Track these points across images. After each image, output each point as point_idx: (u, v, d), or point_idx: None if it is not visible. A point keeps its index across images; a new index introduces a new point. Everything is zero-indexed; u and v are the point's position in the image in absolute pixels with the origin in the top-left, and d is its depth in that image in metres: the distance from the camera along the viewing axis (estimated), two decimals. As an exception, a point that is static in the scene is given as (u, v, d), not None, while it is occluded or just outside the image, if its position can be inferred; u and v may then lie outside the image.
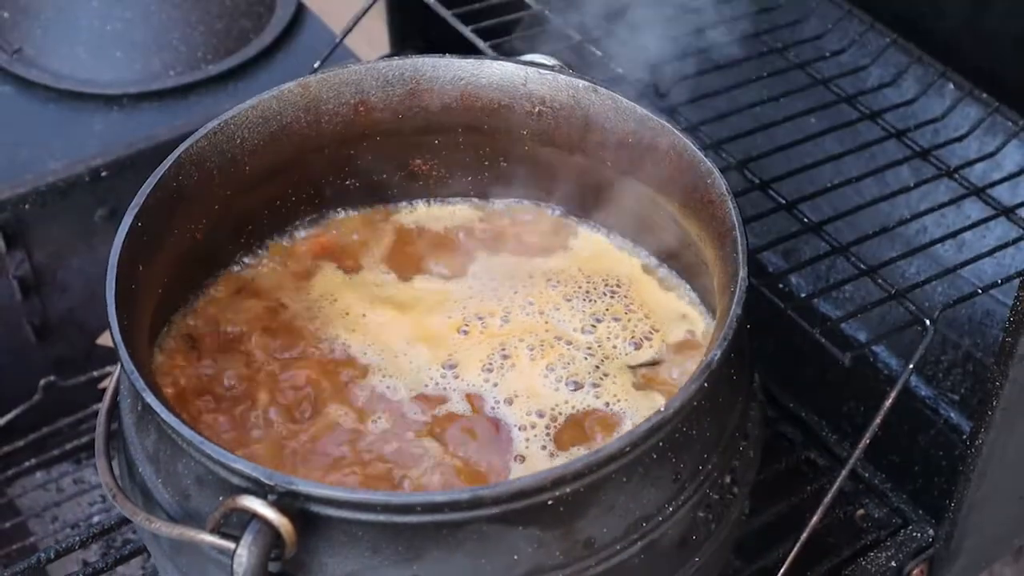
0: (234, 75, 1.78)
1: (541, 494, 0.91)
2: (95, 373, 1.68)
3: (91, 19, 1.78)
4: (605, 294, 1.20)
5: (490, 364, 1.14)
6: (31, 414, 1.64)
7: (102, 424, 1.09)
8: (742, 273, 1.01)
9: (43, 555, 1.33)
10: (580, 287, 1.22)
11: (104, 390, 1.68)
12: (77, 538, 1.33)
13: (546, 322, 1.18)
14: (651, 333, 1.17)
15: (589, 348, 1.15)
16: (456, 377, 1.13)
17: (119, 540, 1.63)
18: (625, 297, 1.20)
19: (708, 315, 1.19)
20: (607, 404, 1.11)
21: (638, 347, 1.16)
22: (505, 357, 1.15)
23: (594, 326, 1.17)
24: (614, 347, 1.16)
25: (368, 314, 1.18)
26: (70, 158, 1.65)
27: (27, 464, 1.67)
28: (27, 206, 1.61)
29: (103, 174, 1.63)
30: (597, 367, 1.14)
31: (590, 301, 1.20)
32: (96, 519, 1.69)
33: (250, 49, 1.80)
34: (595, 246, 1.27)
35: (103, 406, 1.11)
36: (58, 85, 1.74)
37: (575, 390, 1.12)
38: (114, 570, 1.37)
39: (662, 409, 0.94)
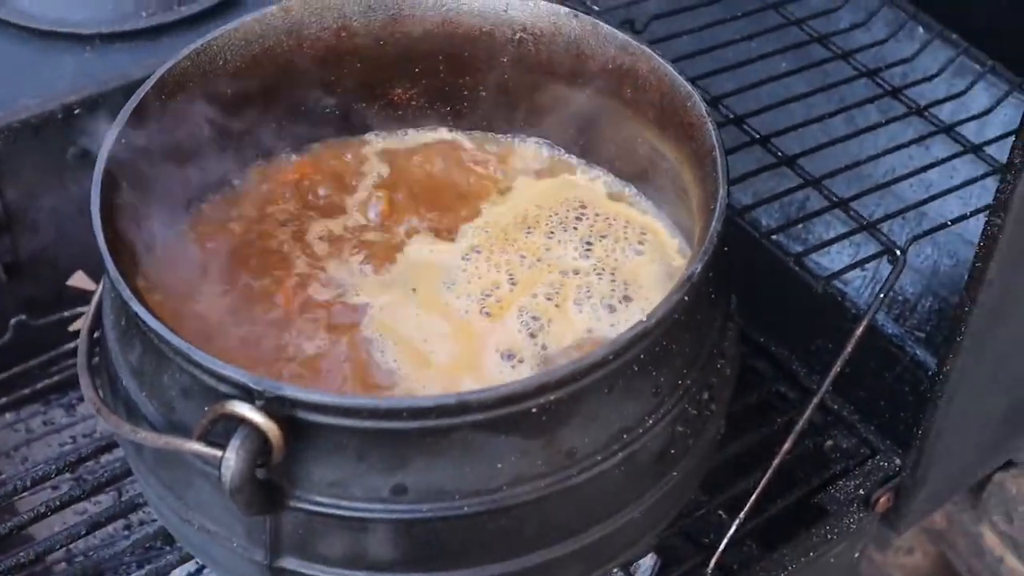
0: (206, 17, 1.77)
1: (525, 401, 0.93)
2: (66, 313, 1.67)
3: (62, -41, 1.76)
4: (582, 218, 1.22)
5: (532, 331, 1.12)
6: (0, 354, 1.63)
7: (84, 339, 1.09)
8: (722, 191, 1.03)
9: (19, 483, 1.34)
10: (558, 217, 1.23)
11: (76, 332, 1.69)
12: (53, 467, 1.34)
13: (548, 265, 1.18)
14: (643, 237, 1.18)
15: (597, 270, 1.17)
16: (520, 363, 1.10)
17: (91, 477, 1.63)
18: (604, 217, 1.22)
19: (682, 238, 1.20)
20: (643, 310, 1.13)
21: (639, 253, 1.18)
22: (535, 319, 1.13)
23: (589, 247, 1.19)
24: (616, 259, 1.17)
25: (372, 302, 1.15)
26: (42, 96, 1.63)
27: (-4, 403, 1.67)
28: (-2, 144, 1.59)
29: (76, 112, 1.62)
30: (613, 281, 1.16)
31: (574, 229, 1.22)
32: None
33: (223, -10, 1.79)
34: (569, 178, 1.28)
35: (85, 322, 1.11)
36: (30, 24, 1.72)
37: (612, 312, 1.13)
38: (89, 500, 1.38)
39: (643, 320, 0.96)
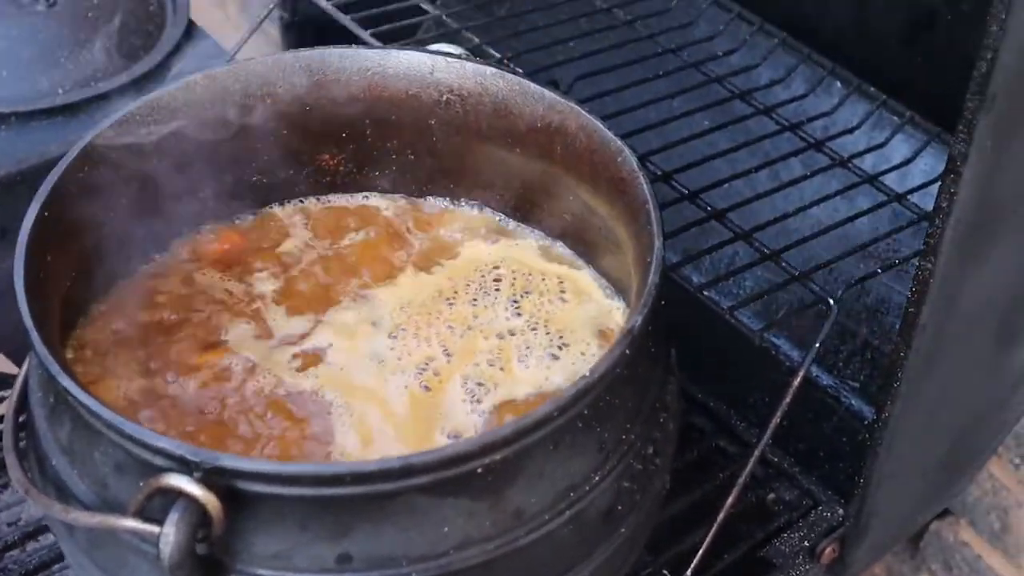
0: (125, 92, 1.75)
1: (471, 461, 0.91)
2: (-15, 395, 1.63)
3: (-25, 38, 1.74)
4: (501, 279, 1.21)
5: (477, 397, 1.11)
6: (-82, 443, 1.58)
7: (10, 420, 1.06)
8: (658, 244, 1.03)
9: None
10: (484, 280, 1.22)
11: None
12: (-21, 555, 1.29)
13: (481, 331, 1.17)
14: (563, 285, 1.19)
15: (531, 323, 1.16)
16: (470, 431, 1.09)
17: (16, 566, 1.57)
18: (523, 274, 1.22)
19: (610, 288, 1.21)
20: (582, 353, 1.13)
21: (564, 301, 1.18)
22: (480, 384, 1.12)
23: (518, 305, 1.18)
24: (546, 311, 1.16)
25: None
26: (-41, 177, 1.60)
27: (-85, 490, 1.61)
28: (-87, 225, 1.56)
29: (-7, 191, 1.59)
30: (548, 333, 1.15)
31: (498, 291, 1.21)
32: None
33: (141, 66, 1.77)
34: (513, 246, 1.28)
35: (10, 401, 1.07)
36: (-58, 106, 1.69)
37: (556, 359, 1.13)
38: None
39: (586, 375, 0.95)
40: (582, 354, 1.13)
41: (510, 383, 1.11)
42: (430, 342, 1.16)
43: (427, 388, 1.11)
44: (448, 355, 1.14)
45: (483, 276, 1.22)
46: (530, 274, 1.22)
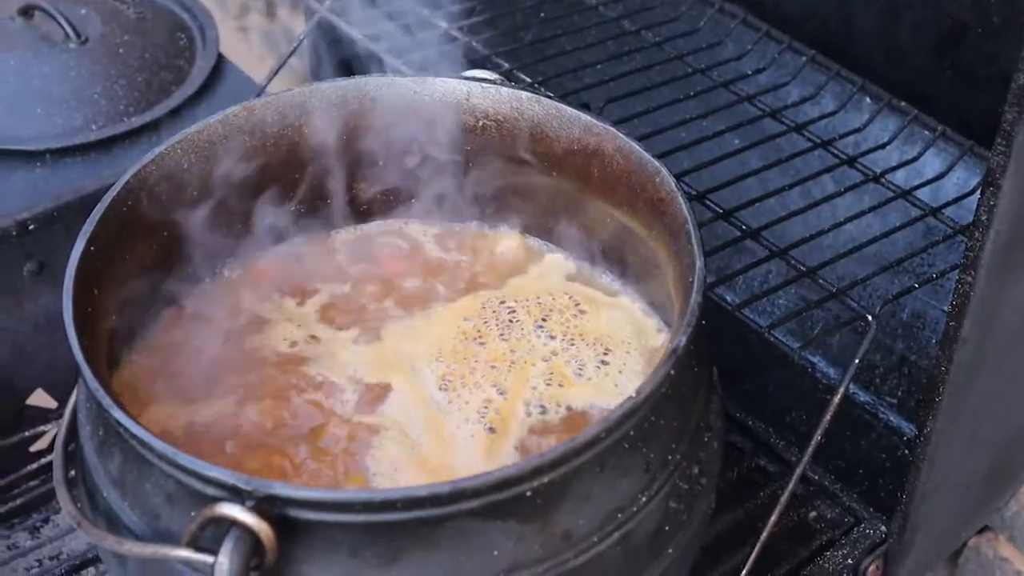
0: (158, 126, 1.77)
1: (519, 484, 0.91)
2: (27, 433, 1.64)
3: (8, 76, 1.75)
4: (526, 308, 1.22)
5: (543, 420, 1.11)
6: (-41, 479, 1.59)
7: (59, 453, 1.06)
8: (699, 263, 1.03)
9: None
10: (498, 315, 1.22)
11: (37, 452, 1.65)
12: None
13: (525, 361, 1.16)
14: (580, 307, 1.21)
15: (568, 340, 1.17)
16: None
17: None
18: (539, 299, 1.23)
19: (646, 306, 1.21)
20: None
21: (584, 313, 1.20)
22: (542, 407, 1.12)
23: (545, 328, 1.19)
24: (578, 326, 1.18)
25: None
26: (-5, 214, 1.62)
27: (-42, 531, 1.62)
28: (-48, 263, 1.57)
29: (30, 227, 1.60)
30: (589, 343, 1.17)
31: (518, 321, 1.21)
32: (34, 583, 1.64)
33: (172, 100, 1.79)
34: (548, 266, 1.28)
35: (59, 433, 1.08)
36: (-23, 144, 1.71)
37: (607, 364, 1.15)
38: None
39: (633, 396, 0.95)
40: (627, 353, 1.15)
41: (574, 396, 1.12)
42: (481, 387, 1.15)
43: (492, 430, 1.11)
44: (503, 393, 1.14)
45: (495, 312, 1.21)
46: (539, 298, 1.22)
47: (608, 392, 1.13)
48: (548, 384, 1.13)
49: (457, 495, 0.90)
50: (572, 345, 1.17)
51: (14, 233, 1.61)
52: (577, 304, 1.21)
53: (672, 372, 0.98)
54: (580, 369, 1.15)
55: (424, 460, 1.07)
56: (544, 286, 1.24)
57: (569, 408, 1.12)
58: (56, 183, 1.68)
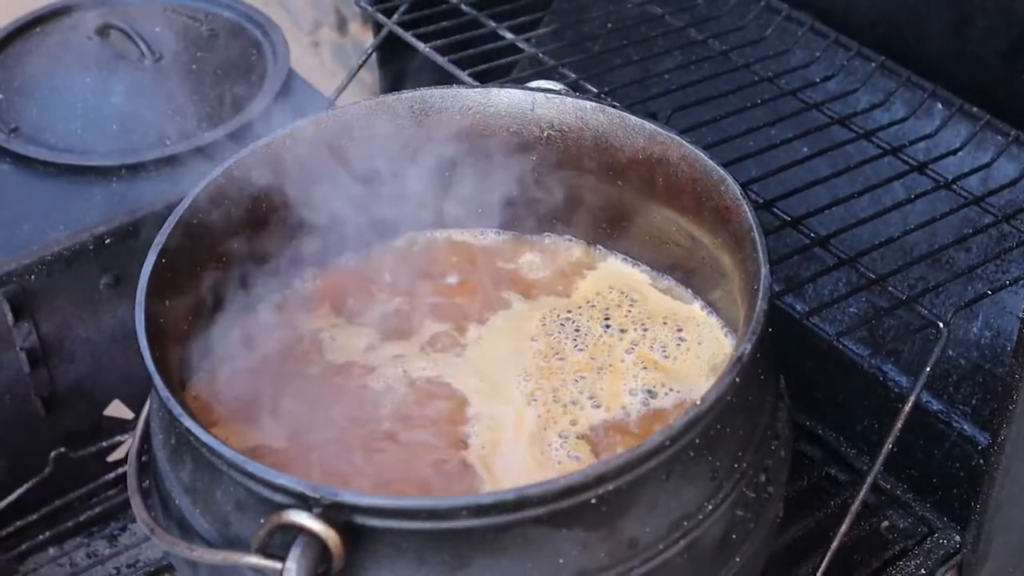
0: (230, 141, 1.80)
1: (584, 492, 0.92)
2: (104, 443, 1.67)
3: (85, 94, 1.80)
4: (623, 306, 1.23)
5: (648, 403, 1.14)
6: (41, 488, 1.62)
7: (133, 462, 1.09)
8: (764, 271, 1.03)
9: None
10: (563, 328, 1.22)
11: (115, 462, 1.68)
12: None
13: (611, 363, 1.18)
14: (680, 334, 1.19)
15: (640, 328, 1.20)
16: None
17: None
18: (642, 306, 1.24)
19: (719, 318, 1.21)
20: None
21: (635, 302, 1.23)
22: (650, 392, 1.15)
23: (611, 326, 1.20)
24: (637, 315, 1.21)
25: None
26: (72, 229, 1.65)
27: (39, 539, 1.65)
28: (32, 277, 1.60)
29: (107, 241, 1.63)
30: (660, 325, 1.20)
31: (578, 331, 1.22)
32: (114, 592, 1.67)
33: (244, 116, 1.82)
34: (610, 271, 1.28)
35: (133, 443, 1.10)
36: (56, 159, 1.74)
37: (684, 341, 1.19)
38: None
39: (697, 403, 0.95)
40: (698, 326, 1.20)
41: (675, 378, 1.15)
42: (577, 402, 1.15)
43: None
44: (597, 405, 1.14)
45: (561, 324, 1.22)
46: (589, 302, 1.24)
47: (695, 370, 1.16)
48: (644, 369, 1.16)
49: (522, 502, 0.90)
50: (646, 331, 1.19)
51: (91, 247, 1.64)
52: (625, 295, 1.24)
53: (737, 379, 0.97)
54: (664, 350, 1.17)
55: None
56: (595, 288, 1.25)
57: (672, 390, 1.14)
58: (131, 198, 1.72)
